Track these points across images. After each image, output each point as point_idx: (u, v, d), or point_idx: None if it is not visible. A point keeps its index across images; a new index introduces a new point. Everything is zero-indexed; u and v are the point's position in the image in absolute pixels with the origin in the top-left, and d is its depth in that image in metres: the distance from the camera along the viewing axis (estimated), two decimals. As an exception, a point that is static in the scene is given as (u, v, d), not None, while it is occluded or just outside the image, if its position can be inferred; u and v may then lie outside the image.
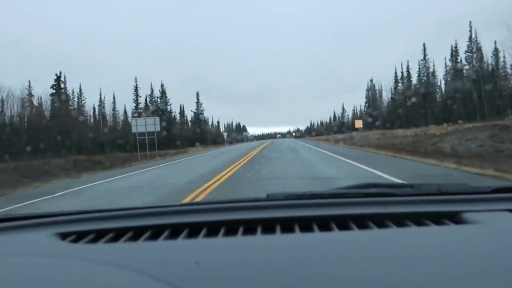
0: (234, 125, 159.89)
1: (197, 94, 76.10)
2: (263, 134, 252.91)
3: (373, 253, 0.74)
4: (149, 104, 61.92)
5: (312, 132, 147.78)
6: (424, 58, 58.99)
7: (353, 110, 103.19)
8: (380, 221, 0.95)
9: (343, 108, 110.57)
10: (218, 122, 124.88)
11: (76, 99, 53.72)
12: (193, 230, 0.95)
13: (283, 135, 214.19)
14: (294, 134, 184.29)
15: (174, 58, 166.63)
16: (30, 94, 45.33)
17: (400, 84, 67.15)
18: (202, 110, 76.36)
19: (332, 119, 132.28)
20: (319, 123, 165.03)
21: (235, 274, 0.66)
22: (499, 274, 0.63)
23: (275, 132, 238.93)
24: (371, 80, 79.51)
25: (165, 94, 65.12)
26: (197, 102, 76.22)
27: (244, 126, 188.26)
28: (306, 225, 0.94)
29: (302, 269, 0.67)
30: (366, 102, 79.75)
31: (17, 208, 7.12)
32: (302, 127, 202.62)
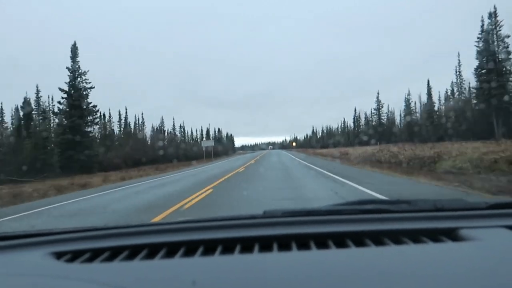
0: (213, 131, 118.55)
1: (74, 45, 31.93)
2: (255, 144, 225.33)
3: (370, 271, 0.74)
4: None
5: (314, 141, 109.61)
6: None
7: (407, 99, 62.38)
8: (377, 238, 0.95)
9: (378, 101, 69.06)
10: (182, 127, 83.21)
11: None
12: (190, 249, 0.94)
13: (279, 146, 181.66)
14: (294, 144, 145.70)
15: (162, 61, 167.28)
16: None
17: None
18: (85, 88, 32.11)
19: (347, 123, 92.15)
20: (323, 129, 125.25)
21: None
22: None
23: (268, 142, 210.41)
24: (495, 15, 37.12)
25: None
26: (73, 69, 31.62)
27: (231, 135, 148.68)
28: (303, 242, 0.94)
29: (299, 287, 0.66)
30: (482, 64, 36.90)
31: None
32: (300, 136, 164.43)
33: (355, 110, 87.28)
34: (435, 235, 0.95)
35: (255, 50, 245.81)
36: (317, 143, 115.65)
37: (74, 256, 0.92)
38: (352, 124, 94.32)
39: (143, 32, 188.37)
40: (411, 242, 0.91)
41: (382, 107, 73.09)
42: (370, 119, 77.68)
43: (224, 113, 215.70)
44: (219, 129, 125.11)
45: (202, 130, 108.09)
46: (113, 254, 0.92)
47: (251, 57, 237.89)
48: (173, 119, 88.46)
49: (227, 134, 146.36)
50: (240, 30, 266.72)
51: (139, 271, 0.80)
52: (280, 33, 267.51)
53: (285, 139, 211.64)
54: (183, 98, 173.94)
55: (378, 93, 75.46)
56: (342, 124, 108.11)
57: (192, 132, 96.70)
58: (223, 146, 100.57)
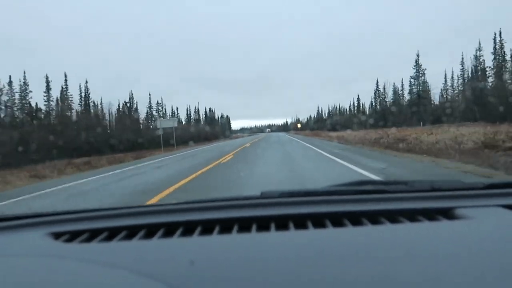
0: (203, 111, 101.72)
1: None
2: (255, 127, 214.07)
3: (367, 249, 0.74)
4: None
5: (323, 123, 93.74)
6: None
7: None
8: (374, 217, 0.95)
9: (417, 66, 50.47)
10: (159, 105, 66.48)
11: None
12: (188, 229, 0.94)
13: (277, 128, 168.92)
14: (299, 125, 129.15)
15: (158, 42, 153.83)
16: None
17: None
18: None
19: (361, 102, 75.23)
20: (330, 110, 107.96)
21: (230, 272, 0.66)
22: (490, 268, 0.64)
23: (268, 125, 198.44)
24: None
25: None
26: None
27: (227, 116, 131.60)
28: (300, 222, 0.94)
29: (297, 266, 0.66)
30: None
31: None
32: (302, 118, 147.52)
33: (377, 82, 69.53)
34: (432, 215, 0.95)
35: (256, 26, 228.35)
36: (316, 125, 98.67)
37: (72, 236, 0.92)
38: (367, 103, 77.30)
39: (136, 12, 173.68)
40: (407, 221, 0.91)
41: (423, 74, 51.85)
42: (400, 92, 58.58)
43: (224, 96, 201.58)
44: (210, 109, 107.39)
45: (189, 109, 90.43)
46: (111, 234, 0.93)
47: (252, 34, 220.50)
48: (149, 94, 70.40)
49: (221, 115, 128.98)
50: (239, 9, 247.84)
51: (137, 250, 0.80)
52: (283, 7, 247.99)
53: (286, 121, 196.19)
54: (182, 80, 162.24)
55: (417, 55, 52.23)
56: (356, 102, 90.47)
57: (173, 111, 79.14)
58: (214, 128, 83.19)
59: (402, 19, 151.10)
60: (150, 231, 0.93)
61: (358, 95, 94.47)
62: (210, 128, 75.17)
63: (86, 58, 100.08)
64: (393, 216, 0.94)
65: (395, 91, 60.34)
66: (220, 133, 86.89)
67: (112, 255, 0.77)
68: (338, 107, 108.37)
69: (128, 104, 60.71)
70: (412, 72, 54.24)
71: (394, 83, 64.34)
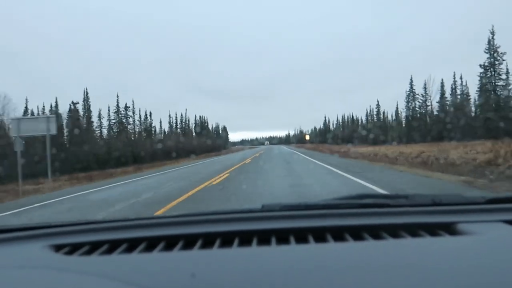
0: (192, 120, 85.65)
1: None
2: (255, 139, 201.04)
3: (368, 264, 0.74)
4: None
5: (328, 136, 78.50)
6: None
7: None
8: (375, 232, 0.95)
9: (491, 48, 33.52)
10: (128, 109, 50.69)
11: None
12: (189, 242, 0.94)
13: (278, 141, 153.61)
14: (307, 137, 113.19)
15: (159, 50, 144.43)
16: None
17: None
18: None
19: (381, 111, 60.02)
20: (339, 120, 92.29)
21: (231, 286, 0.66)
22: (493, 285, 0.63)
23: (270, 137, 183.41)
24: None
25: None
26: None
27: (224, 127, 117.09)
28: (301, 236, 0.94)
29: (297, 281, 0.66)
30: None
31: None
32: (307, 129, 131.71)
33: (411, 81, 53.09)
34: (433, 230, 0.95)
35: (259, 32, 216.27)
36: (320, 138, 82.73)
37: (73, 248, 0.92)
38: (391, 111, 61.75)
39: (133, 16, 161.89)
40: (409, 236, 0.91)
41: (500, 62, 32.72)
42: (452, 91, 41.38)
43: (226, 106, 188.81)
44: (201, 117, 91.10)
45: (174, 117, 73.68)
46: (112, 247, 0.92)
47: (254, 41, 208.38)
48: (117, 96, 53.93)
49: (217, 125, 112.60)
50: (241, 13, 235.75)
51: (138, 263, 0.80)
52: (285, 13, 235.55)
53: (289, 133, 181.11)
54: (179, 89, 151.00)
55: (492, 33, 34.75)
56: (375, 110, 74.33)
57: (146, 116, 61.89)
58: (212, 140, 66.67)
59: (416, 18, 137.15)
60: (150, 244, 0.93)
61: (378, 101, 77.96)
62: (198, 141, 58.80)
63: (84, 59, 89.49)
64: (394, 231, 0.94)
65: (439, 89, 43.78)
66: (221, 146, 69.78)
67: (113, 268, 0.77)
68: (351, 116, 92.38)
69: (76, 106, 43.90)
70: (463, 68, 37.86)
71: (442, 80, 47.34)
